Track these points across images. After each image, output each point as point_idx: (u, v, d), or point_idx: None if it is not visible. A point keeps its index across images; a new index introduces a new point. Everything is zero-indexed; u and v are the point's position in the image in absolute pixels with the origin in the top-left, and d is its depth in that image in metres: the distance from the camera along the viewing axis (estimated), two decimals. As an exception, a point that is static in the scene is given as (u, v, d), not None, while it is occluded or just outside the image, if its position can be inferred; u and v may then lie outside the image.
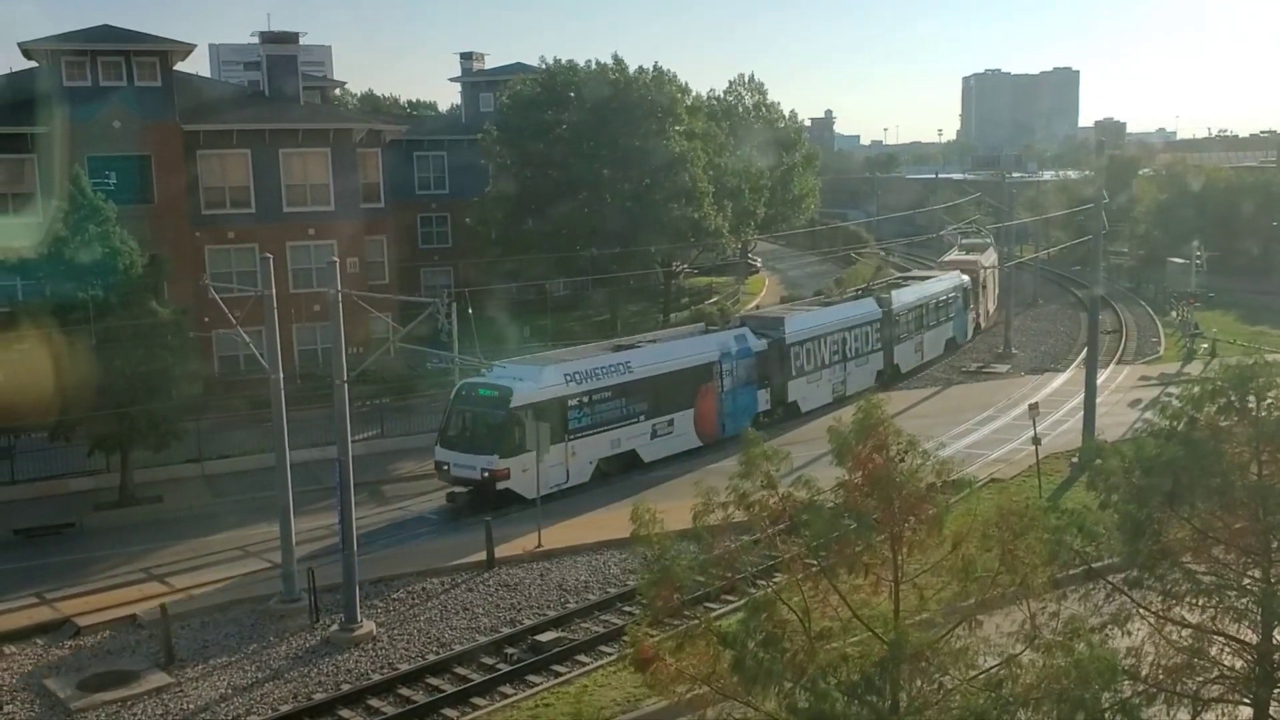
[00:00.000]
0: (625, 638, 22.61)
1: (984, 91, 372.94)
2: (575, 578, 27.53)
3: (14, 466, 34.45)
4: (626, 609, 25.31)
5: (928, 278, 56.34)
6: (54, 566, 28.44)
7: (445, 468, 32.56)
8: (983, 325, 60.14)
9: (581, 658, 23.17)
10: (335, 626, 24.41)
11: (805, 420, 40.22)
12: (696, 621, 12.52)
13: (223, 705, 21.42)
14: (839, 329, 44.61)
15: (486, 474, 31.45)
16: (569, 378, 33.48)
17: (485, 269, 55.17)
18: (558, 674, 22.41)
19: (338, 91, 76.15)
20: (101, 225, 33.00)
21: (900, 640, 11.40)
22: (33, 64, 44.49)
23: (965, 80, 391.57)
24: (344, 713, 20.94)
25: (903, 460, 12.03)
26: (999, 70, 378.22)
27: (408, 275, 54.27)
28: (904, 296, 49.89)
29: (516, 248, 53.36)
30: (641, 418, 35.53)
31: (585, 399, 33.77)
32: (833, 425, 12.31)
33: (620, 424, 34.84)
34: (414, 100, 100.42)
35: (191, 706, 21.39)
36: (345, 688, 21.97)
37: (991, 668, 12.14)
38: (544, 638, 23.73)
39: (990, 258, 63.43)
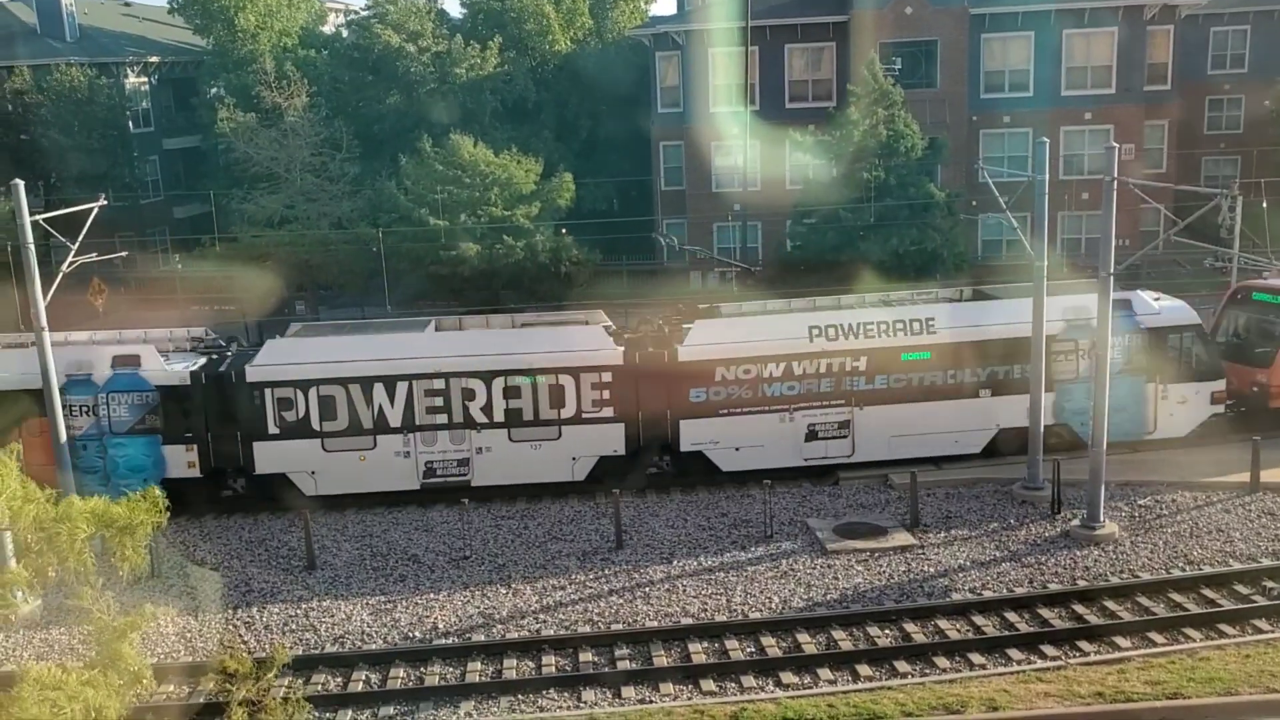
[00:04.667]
0: None
1: None
2: (1362, 519, 24.04)
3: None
4: None
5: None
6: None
7: None
8: None
9: (1361, 610, 20.35)
10: (1076, 522, 24.15)
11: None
12: None
13: (960, 574, 22.48)
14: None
15: None
16: None
17: (1284, 159, 48.82)
18: (1327, 621, 19.97)
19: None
20: (889, 109, 34.93)
21: None
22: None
23: None
24: (1078, 608, 20.80)
25: None
26: None
27: (1187, 163, 50.02)
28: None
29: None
30: None
31: None
32: None
33: None
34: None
35: (931, 570, 22.76)
36: (1081, 583, 21.79)
37: None
38: (1314, 578, 21.20)
39: None
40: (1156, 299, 28.44)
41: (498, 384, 26.22)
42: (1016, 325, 26.58)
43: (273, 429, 26.17)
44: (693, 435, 26.95)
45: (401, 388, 26.08)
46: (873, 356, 26.73)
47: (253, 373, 25.95)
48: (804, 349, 26.66)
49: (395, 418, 26.18)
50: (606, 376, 26.41)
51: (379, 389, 26.09)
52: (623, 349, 26.74)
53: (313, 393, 26.07)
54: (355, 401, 26.18)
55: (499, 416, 26.41)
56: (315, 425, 26.23)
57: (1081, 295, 27.51)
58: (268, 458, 26.20)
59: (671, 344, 26.98)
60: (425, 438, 26.44)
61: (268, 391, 26.03)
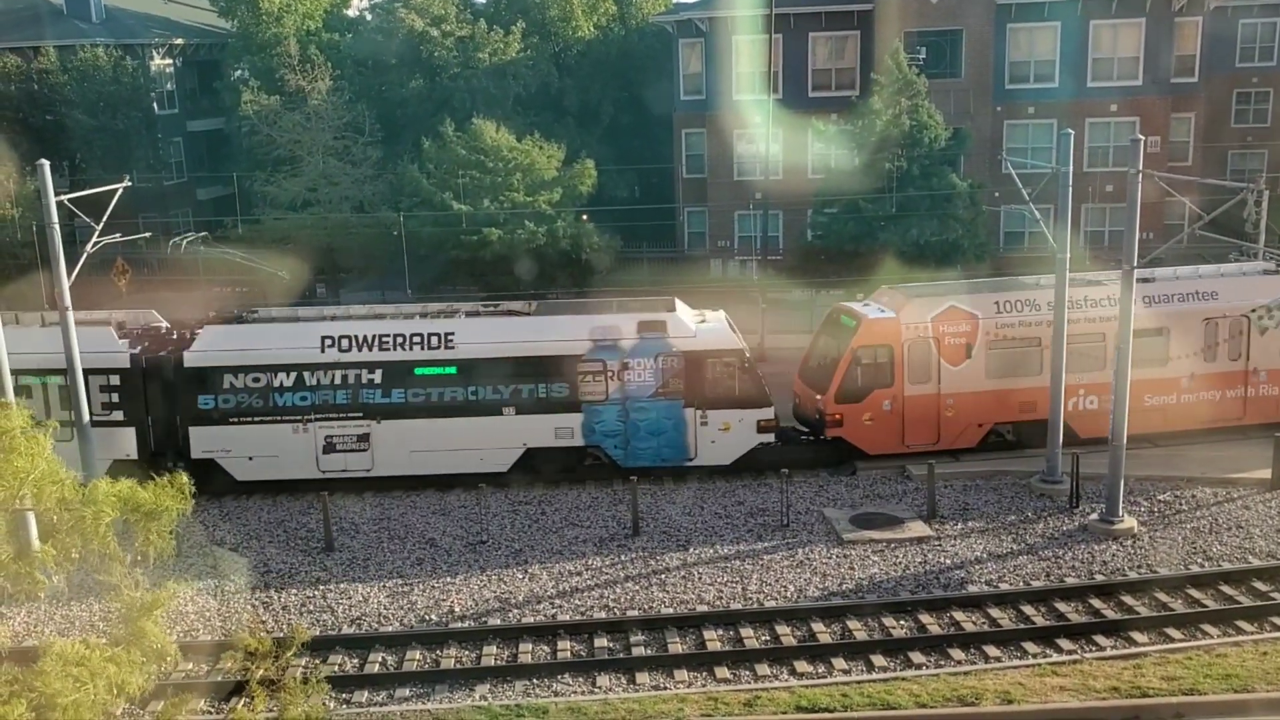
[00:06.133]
0: None
1: None
2: (1383, 518, 23.89)
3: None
4: None
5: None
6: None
7: None
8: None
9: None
10: (1095, 516, 24.09)
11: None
12: None
13: (976, 566, 22.46)
14: None
15: None
16: None
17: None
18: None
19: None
20: (912, 99, 34.77)
21: None
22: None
23: None
24: (1095, 602, 20.76)
25: None
26: None
27: (1213, 157, 49.58)
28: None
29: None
30: None
31: None
32: None
33: None
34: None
35: (947, 561, 22.74)
36: (1099, 578, 21.75)
37: None
38: (1333, 577, 21.09)
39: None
40: (701, 321, 27.51)
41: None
42: (543, 343, 26.53)
43: None
44: (203, 443, 26.22)
45: None
46: (389, 369, 26.31)
47: None
48: (316, 359, 26.24)
49: None
50: (114, 379, 25.91)
51: None
52: (131, 352, 26.15)
53: None
54: None
55: None
56: None
57: (611, 315, 27.23)
58: None
59: (179, 348, 26.51)
60: None
61: None
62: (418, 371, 26.41)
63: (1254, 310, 26.77)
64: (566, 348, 26.54)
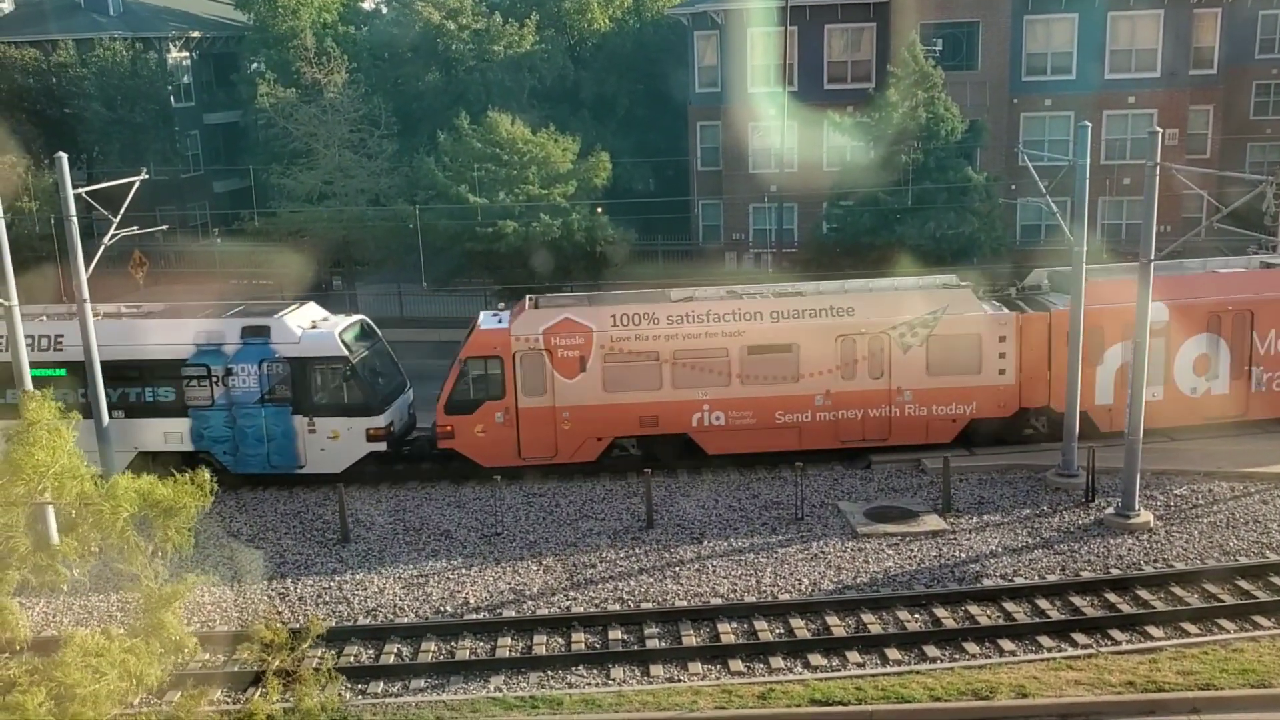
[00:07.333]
0: None
1: None
2: (1402, 513, 23.72)
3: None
4: None
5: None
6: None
7: None
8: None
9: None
10: (1110, 510, 24.01)
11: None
12: None
13: (991, 560, 22.42)
14: None
15: None
16: None
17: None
18: (1363, 615, 19.75)
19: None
20: (928, 91, 34.65)
21: None
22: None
23: None
24: (1111, 596, 20.70)
25: None
26: None
27: (1231, 149, 49.26)
28: None
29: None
30: None
31: None
32: None
33: None
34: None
35: (962, 555, 22.70)
36: (1114, 572, 21.68)
37: None
38: (1352, 572, 20.97)
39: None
40: (311, 326, 26.95)
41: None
42: (147, 346, 26.31)
43: None
44: None
45: None
46: None
47: None
48: None
49: None
50: None
51: None
52: None
53: None
54: None
55: None
56: None
57: (216, 319, 26.91)
58: None
59: None
60: None
61: None
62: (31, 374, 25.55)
63: (895, 328, 26.56)
64: (169, 351, 26.36)
